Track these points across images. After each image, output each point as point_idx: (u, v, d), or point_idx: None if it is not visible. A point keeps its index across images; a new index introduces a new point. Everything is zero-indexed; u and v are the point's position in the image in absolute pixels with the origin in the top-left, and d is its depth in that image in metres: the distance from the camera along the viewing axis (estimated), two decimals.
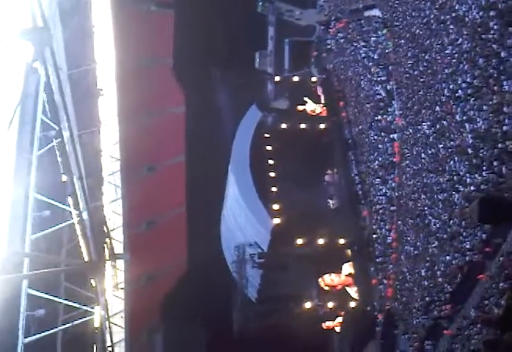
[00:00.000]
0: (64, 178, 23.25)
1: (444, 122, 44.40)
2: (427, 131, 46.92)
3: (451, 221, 41.85)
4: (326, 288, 54.77)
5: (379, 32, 57.72)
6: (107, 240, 38.37)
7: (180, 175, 54.24)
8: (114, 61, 43.94)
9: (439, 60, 46.17)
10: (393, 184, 51.79)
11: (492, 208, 32.08)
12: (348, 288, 54.52)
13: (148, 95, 48.96)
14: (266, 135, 62.88)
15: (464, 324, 37.96)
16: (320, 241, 55.51)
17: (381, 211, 52.65)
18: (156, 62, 52.87)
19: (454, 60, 43.90)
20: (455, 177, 41.99)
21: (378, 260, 51.89)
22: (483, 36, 40.51)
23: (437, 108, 45.65)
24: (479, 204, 34.46)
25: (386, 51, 56.10)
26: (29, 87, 22.93)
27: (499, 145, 37.48)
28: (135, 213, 47.22)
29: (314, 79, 65.74)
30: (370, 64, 57.86)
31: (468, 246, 39.46)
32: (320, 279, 54.69)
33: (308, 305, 54.65)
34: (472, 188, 39.71)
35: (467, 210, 38.68)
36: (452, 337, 38.94)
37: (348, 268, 55.19)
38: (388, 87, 55.08)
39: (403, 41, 53.17)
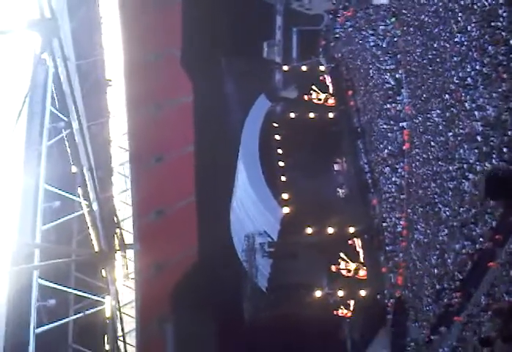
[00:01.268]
0: (74, 169, 23.27)
1: (454, 110, 44.35)
2: (436, 119, 46.86)
3: (461, 209, 41.84)
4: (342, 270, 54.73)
5: (387, 20, 57.55)
6: (117, 230, 38.48)
7: (189, 165, 54.38)
8: (122, 52, 43.98)
9: (447, 48, 46.04)
10: (403, 172, 51.74)
11: (499, 184, 32.01)
12: (357, 276, 54.56)
13: (156, 86, 49.06)
14: (275, 124, 62.87)
15: (475, 311, 37.99)
16: (330, 230, 55.53)
17: (390, 200, 52.63)
18: (164, 53, 52.89)
19: (463, 48, 43.81)
20: (464, 165, 41.95)
21: (388, 249, 51.91)
22: (492, 23, 40.39)
23: (446, 96, 45.58)
24: (486, 179, 34.48)
25: (395, 39, 55.93)
26: (38, 78, 22.97)
27: (509, 133, 37.44)
28: (144, 203, 47.38)
29: (322, 68, 65.63)
30: (379, 52, 57.71)
31: (478, 234, 39.45)
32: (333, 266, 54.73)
33: (318, 293, 54.70)
34: (481, 176, 39.67)
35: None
36: (463, 324, 38.99)
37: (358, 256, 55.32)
38: (397, 76, 54.96)
39: (411, 29, 53.03)
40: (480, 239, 39.16)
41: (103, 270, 25.35)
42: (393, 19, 56.77)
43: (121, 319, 33.86)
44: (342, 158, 61.12)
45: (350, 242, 55.94)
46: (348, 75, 63.08)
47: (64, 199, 25.53)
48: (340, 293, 54.02)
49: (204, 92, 58.44)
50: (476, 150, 40.77)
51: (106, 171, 43.01)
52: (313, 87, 64.24)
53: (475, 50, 42.22)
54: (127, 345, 37.89)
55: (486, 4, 41.61)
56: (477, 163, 40.25)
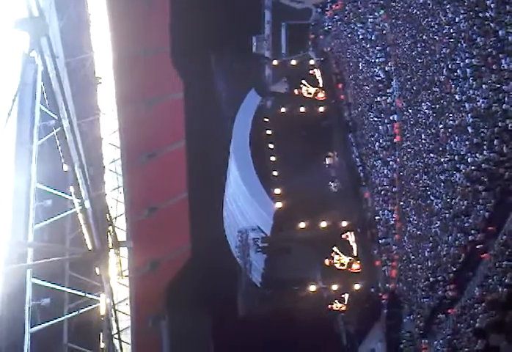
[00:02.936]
0: (66, 167, 23.23)
1: (444, 102, 44.34)
2: (426, 111, 46.86)
3: (453, 201, 41.88)
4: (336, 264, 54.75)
5: (376, 13, 57.46)
6: (110, 228, 38.43)
7: (180, 161, 54.32)
8: (112, 48, 43.88)
9: (436, 40, 46.04)
10: (394, 165, 51.75)
11: None
12: (351, 270, 54.63)
13: (146, 82, 48.99)
14: (266, 119, 62.81)
15: (469, 303, 38.06)
16: (323, 224, 55.55)
17: (382, 193, 52.64)
18: (153, 51, 52.79)
19: (452, 39, 43.78)
20: (455, 157, 41.96)
21: (381, 242, 51.93)
22: (481, 14, 40.36)
23: (436, 88, 45.57)
24: None
25: (384, 32, 55.88)
26: (27, 77, 22.93)
27: (500, 124, 37.43)
28: (137, 200, 47.37)
29: (312, 62, 65.60)
30: (368, 45, 57.66)
31: (471, 225, 39.50)
32: (326, 260, 54.76)
33: (312, 288, 54.72)
34: (473, 167, 39.72)
35: None
36: (457, 316, 39.06)
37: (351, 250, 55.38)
38: (386, 68, 54.88)
39: (400, 21, 52.98)
40: (473, 230, 39.21)
41: (96, 269, 25.35)
42: (381, 11, 56.67)
43: (116, 317, 33.90)
44: (334, 152, 61.13)
45: (343, 236, 55.97)
46: (337, 69, 63.06)
47: (56, 197, 25.50)
48: (334, 287, 54.05)
49: (194, 88, 58.38)
50: (467, 142, 40.78)
51: (98, 168, 42.98)
52: (303, 81, 64.22)
53: (464, 41, 42.20)
54: (122, 343, 37.93)
55: None
56: (469, 154, 40.26)
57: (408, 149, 49.44)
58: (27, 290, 21.58)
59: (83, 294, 26.68)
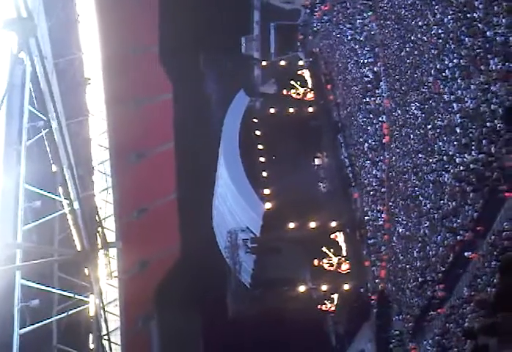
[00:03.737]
0: (54, 168, 23.20)
1: (432, 103, 44.44)
2: (415, 112, 46.96)
3: (442, 201, 41.98)
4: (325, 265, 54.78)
5: (365, 14, 57.53)
6: (99, 229, 38.36)
7: (170, 162, 54.25)
8: (100, 50, 43.80)
9: (425, 40, 46.15)
10: (383, 166, 51.84)
11: None
12: (340, 270, 54.68)
13: (135, 83, 48.89)
14: (255, 120, 62.84)
15: (458, 303, 38.17)
16: (312, 225, 55.60)
17: (372, 193, 52.72)
18: (142, 50, 52.72)
19: (440, 40, 43.89)
20: (444, 157, 42.06)
21: (370, 242, 52.01)
22: (469, 15, 40.46)
23: (425, 88, 45.67)
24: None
25: (372, 33, 55.95)
26: (15, 78, 22.83)
27: (488, 124, 37.54)
28: (126, 201, 47.27)
29: (301, 63, 65.64)
30: (357, 46, 57.72)
31: (459, 226, 39.59)
32: (316, 261, 54.77)
33: (302, 288, 54.77)
34: (461, 167, 39.82)
35: None
36: (446, 316, 39.17)
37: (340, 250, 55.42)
38: (375, 69, 54.97)
39: (388, 22, 53.07)
40: (462, 231, 39.33)
41: (86, 270, 25.28)
42: (370, 12, 56.74)
43: (105, 318, 33.81)
44: (323, 153, 61.20)
45: (332, 236, 56.02)
46: (326, 70, 63.08)
47: (45, 198, 25.39)
48: (324, 288, 54.11)
49: (183, 88, 58.32)
50: (455, 142, 40.89)
51: (87, 169, 42.88)
52: (292, 82, 64.24)
53: (452, 42, 42.30)
54: (112, 344, 37.85)
55: None
56: (457, 155, 40.37)
57: (397, 150, 49.54)
58: (16, 292, 21.49)
59: (72, 295, 26.59)
